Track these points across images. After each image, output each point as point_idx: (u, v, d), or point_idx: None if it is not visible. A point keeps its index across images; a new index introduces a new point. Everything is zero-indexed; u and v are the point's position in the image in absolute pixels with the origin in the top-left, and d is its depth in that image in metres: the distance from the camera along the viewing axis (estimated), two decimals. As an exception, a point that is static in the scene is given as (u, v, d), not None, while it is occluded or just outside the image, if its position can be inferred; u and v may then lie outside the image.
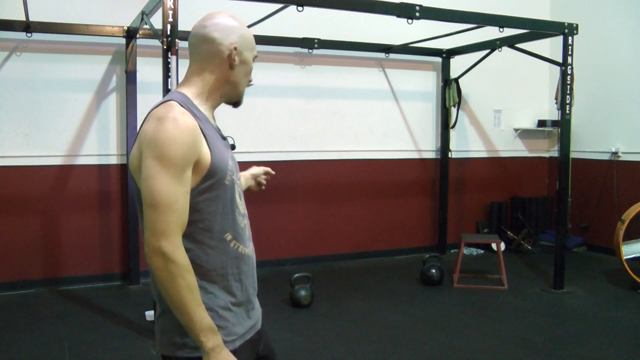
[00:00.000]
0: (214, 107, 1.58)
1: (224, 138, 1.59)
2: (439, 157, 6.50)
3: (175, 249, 1.38)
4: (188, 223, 1.44)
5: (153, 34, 4.13)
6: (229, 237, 1.52)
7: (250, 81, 1.60)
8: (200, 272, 1.47)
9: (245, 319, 1.58)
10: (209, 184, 1.46)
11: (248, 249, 1.59)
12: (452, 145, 6.50)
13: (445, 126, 6.39)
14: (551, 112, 6.79)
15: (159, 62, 3.65)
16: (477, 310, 4.53)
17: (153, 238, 1.38)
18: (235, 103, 1.61)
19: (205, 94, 1.54)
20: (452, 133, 6.49)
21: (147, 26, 4.20)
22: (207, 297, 1.49)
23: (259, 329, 1.65)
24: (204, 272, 1.48)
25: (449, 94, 6.31)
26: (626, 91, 6.19)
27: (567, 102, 4.91)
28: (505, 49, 5.57)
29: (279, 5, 4.09)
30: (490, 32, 5.05)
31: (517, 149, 7.00)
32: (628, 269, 5.02)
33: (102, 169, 5.18)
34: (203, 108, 1.52)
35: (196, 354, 1.45)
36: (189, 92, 1.52)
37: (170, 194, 1.38)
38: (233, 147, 1.62)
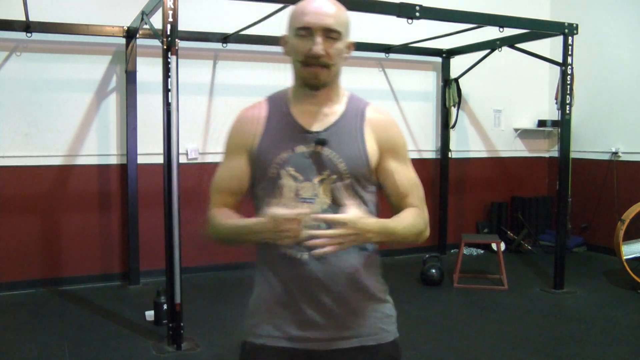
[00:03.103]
0: (300, 90, 1.50)
1: (307, 131, 1.48)
2: (439, 157, 6.49)
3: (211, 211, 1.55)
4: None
5: (153, 34, 4.12)
6: None
7: (304, 54, 1.43)
8: (257, 256, 1.58)
9: (283, 323, 1.50)
10: (259, 175, 1.51)
11: (301, 254, 1.46)
12: (452, 145, 6.50)
13: (445, 126, 6.39)
14: (551, 112, 6.78)
15: (159, 62, 3.64)
16: (477, 310, 4.53)
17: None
18: (307, 85, 1.47)
19: (294, 80, 1.54)
20: (452, 133, 6.49)
21: (147, 26, 4.19)
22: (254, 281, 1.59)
23: (319, 349, 1.50)
24: (258, 256, 1.57)
25: (449, 94, 6.31)
26: (626, 91, 6.18)
27: (567, 102, 4.91)
28: (505, 49, 5.57)
29: (279, 5, 4.09)
30: (490, 32, 5.05)
31: (517, 149, 6.99)
32: (628, 269, 5.02)
33: (102, 169, 5.18)
34: (295, 92, 1.53)
35: (272, 343, 1.51)
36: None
37: (217, 176, 1.58)
38: (322, 142, 1.47)
